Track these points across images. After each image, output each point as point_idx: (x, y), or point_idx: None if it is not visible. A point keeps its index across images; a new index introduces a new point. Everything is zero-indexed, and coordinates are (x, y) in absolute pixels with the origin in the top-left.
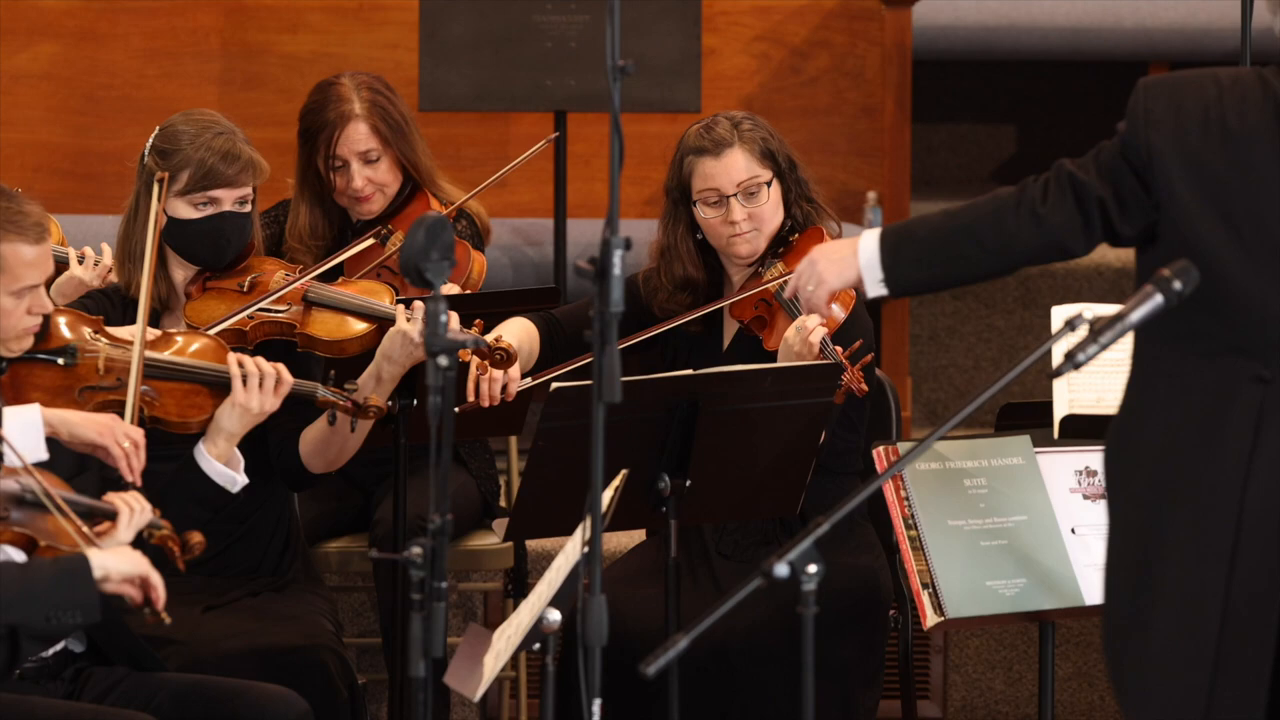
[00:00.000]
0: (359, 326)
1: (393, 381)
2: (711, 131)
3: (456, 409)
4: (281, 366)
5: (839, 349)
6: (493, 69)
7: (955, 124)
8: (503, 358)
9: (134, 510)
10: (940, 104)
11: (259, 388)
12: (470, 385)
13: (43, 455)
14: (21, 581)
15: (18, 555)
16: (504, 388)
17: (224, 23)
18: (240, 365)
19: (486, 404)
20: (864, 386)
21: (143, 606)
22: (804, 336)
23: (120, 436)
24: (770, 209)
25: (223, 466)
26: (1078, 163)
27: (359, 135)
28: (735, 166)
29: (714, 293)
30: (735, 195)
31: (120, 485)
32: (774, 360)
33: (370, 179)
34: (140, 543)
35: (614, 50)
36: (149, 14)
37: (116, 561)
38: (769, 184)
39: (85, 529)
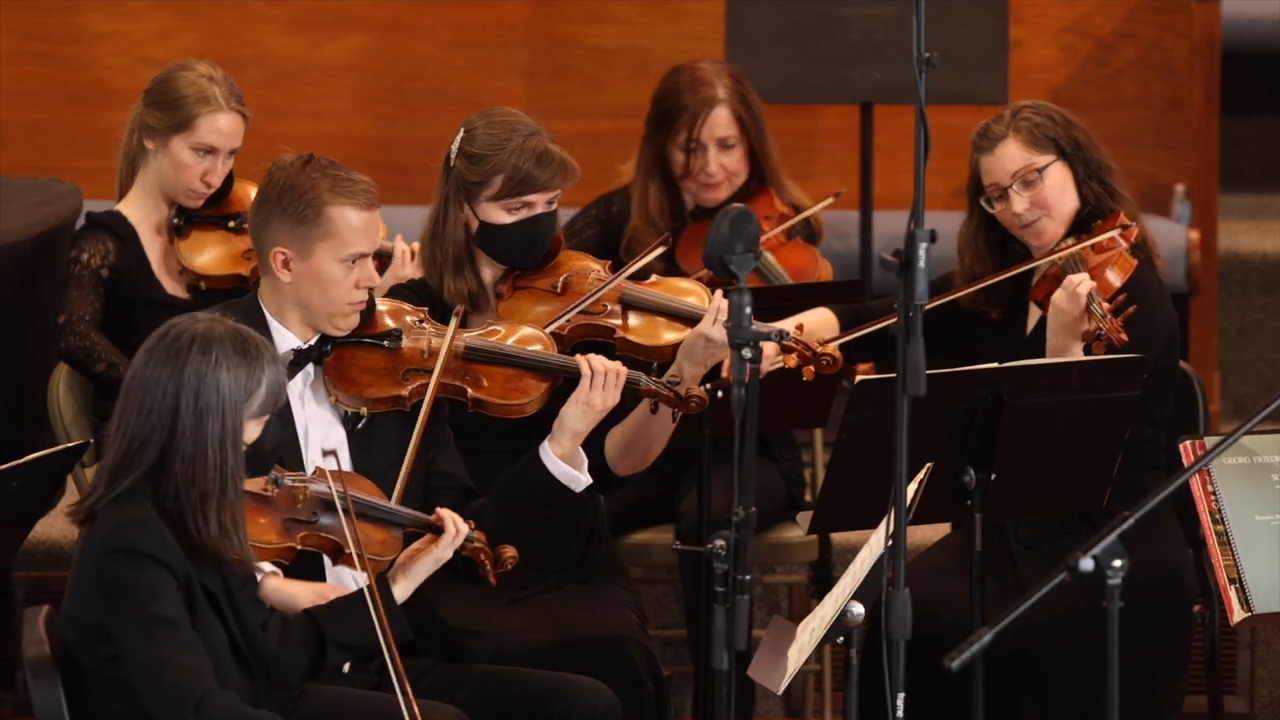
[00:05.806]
0: (672, 337)
1: (693, 381)
2: (988, 128)
3: None
4: (618, 363)
5: (1105, 304)
6: (798, 61)
7: (1262, 117)
8: (829, 363)
9: (459, 532)
10: (1247, 97)
11: (603, 385)
12: None
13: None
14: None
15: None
16: None
17: (531, 14)
18: (589, 364)
19: None
20: (1123, 336)
21: None
22: (1070, 290)
23: None
24: (1055, 193)
25: (567, 466)
26: None
27: (721, 120)
28: (1008, 157)
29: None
30: (1012, 185)
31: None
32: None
33: (724, 165)
34: (454, 554)
35: (920, 42)
36: (456, 6)
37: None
38: (1044, 168)
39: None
